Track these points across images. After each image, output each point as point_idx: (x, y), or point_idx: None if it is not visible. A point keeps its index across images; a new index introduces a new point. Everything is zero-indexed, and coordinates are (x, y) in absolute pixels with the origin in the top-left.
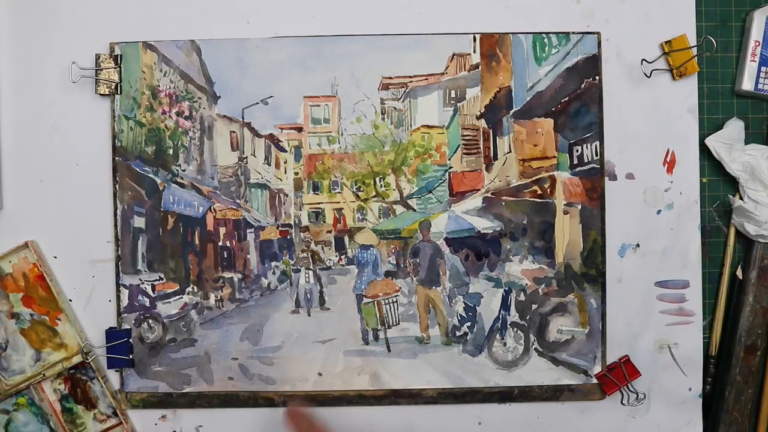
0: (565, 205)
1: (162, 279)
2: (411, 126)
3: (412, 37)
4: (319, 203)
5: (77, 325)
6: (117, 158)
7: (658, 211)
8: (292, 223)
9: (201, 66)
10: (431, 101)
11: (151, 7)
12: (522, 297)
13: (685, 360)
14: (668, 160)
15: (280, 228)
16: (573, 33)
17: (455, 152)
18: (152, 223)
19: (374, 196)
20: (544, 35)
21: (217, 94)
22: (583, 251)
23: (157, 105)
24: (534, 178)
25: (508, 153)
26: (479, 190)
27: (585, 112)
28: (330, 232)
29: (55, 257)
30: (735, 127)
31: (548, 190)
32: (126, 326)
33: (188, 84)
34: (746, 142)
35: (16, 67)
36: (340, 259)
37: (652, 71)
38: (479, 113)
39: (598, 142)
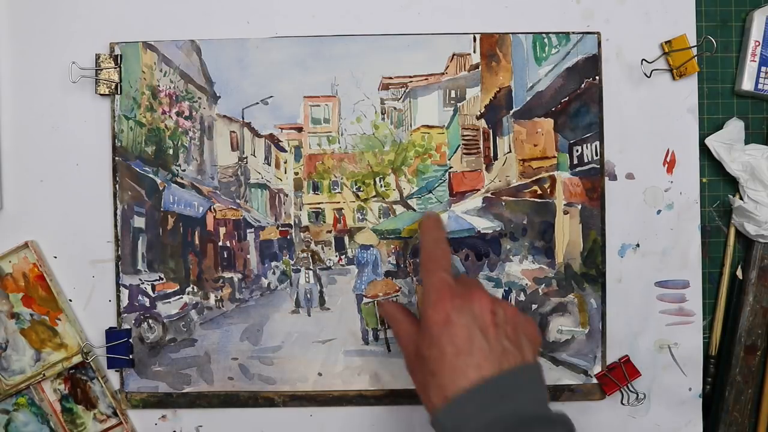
0: (565, 205)
1: (162, 279)
2: (411, 126)
3: (412, 37)
4: (319, 203)
5: (77, 325)
6: (117, 158)
7: (658, 211)
8: (292, 223)
9: (201, 66)
10: (431, 101)
11: (151, 7)
12: (522, 297)
13: (685, 360)
14: (668, 160)
15: (280, 228)
16: (573, 33)
17: (455, 152)
18: (152, 223)
19: (374, 196)
20: (544, 35)
21: (217, 94)
22: (583, 251)
23: (157, 105)
24: (534, 178)
25: (508, 153)
26: (479, 190)
27: (585, 112)
28: (330, 232)
29: (55, 257)
30: (735, 127)
31: (548, 190)
32: (126, 326)
33: (188, 84)
34: (746, 142)
35: (16, 67)
36: (340, 259)
37: (652, 71)
38: (479, 113)
39: (598, 142)
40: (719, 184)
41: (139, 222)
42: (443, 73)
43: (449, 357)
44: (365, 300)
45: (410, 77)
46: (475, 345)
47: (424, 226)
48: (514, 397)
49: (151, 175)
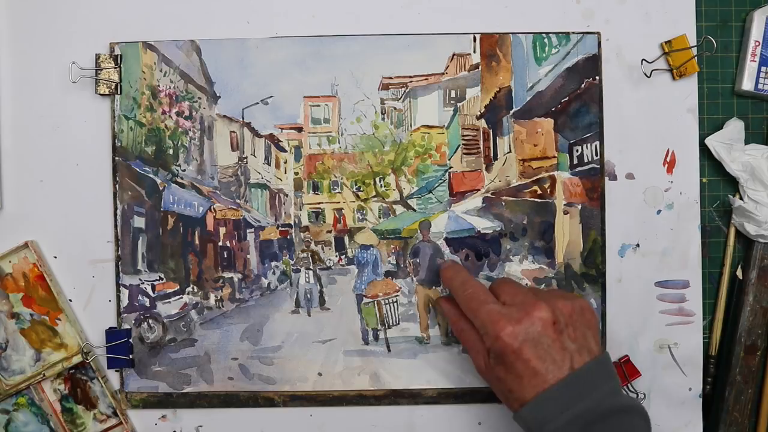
0: (565, 205)
1: (162, 279)
2: (411, 126)
3: (412, 37)
4: (319, 203)
5: (77, 325)
6: (117, 158)
7: (658, 211)
8: (292, 223)
9: (201, 66)
10: (431, 101)
11: (151, 7)
12: None
13: (685, 360)
14: (668, 160)
15: (280, 228)
16: (573, 33)
17: (455, 152)
18: (152, 223)
19: (374, 196)
20: (544, 35)
21: (217, 94)
22: (583, 251)
23: (157, 105)
24: (534, 178)
25: (508, 153)
26: (479, 190)
27: (585, 112)
28: (330, 232)
29: (55, 257)
30: (735, 127)
31: (548, 190)
32: (126, 326)
33: (188, 84)
34: (746, 142)
35: (16, 67)
36: (340, 259)
37: (652, 71)
38: (479, 113)
39: (598, 142)
40: (719, 184)
41: (139, 222)
42: (443, 73)
43: (526, 378)
44: (365, 300)
45: (410, 77)
46: (547, 361)
47: (446, 278)
48: (589, 392)
49: (151, 175)
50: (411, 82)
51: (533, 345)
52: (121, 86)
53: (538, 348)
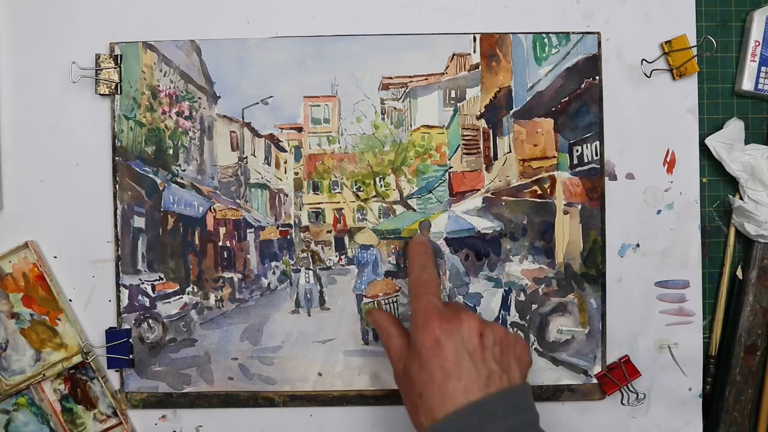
0: (565, 205)
1: (162, 279)
2: (411, 126)
3: (412, 37)
4: (319, 203)
5: (77, 325)
6: (117, 158)
7: (658, 211)
8: (292, 223)
9: (201, 66)
10: (431, 101)
11: (151, 7)
12: (522, 297)
13: (685, 360)
14: (668, 160)
15: (280, 228)
16: (573, 33)
17: (455, 152)
18: (152, 223)
19: (374, 196)
20: (544, 35)
21: (217, 94)
22: (583, 251)
23: (157, 105)
24: (534, 178)
25: (508, 153)
26: (479, 190)
27: (585, 112)
28: (330, 232)
29: (55, 257)
30: (735, 127)
31: (548, 190)
32: (126, 326)
33: (188, 84)
34: (746, 142)
35: (16, 67)
36: (340, 259)
37: (652, 71)
38: (479, 113)
39: (598, 142)
40: (719, 184)
41: (139, 222)
42: (443, 73)
43: (438, 381)
44: (365, 300)
45: (410, 77)
46: (463, 369)
47: (412, 252)
48: (501, 420)
49: (151, 175)
50: (411, 82)
51: (453, 346)
52: (121, 86)
53: (458, 351)
